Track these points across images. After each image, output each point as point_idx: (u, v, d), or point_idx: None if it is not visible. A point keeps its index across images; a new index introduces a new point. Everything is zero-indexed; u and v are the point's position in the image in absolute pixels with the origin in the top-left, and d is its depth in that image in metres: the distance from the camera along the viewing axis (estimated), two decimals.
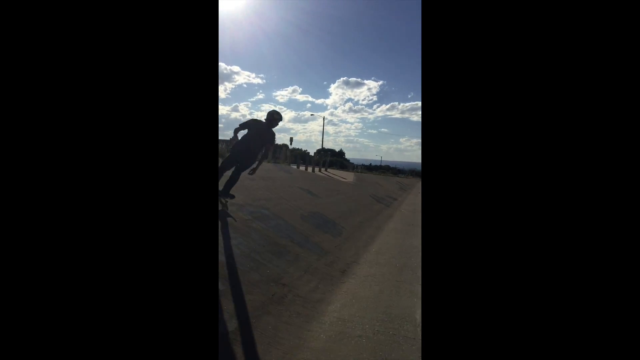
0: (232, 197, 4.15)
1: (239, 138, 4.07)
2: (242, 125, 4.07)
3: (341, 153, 64.92)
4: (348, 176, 18.85)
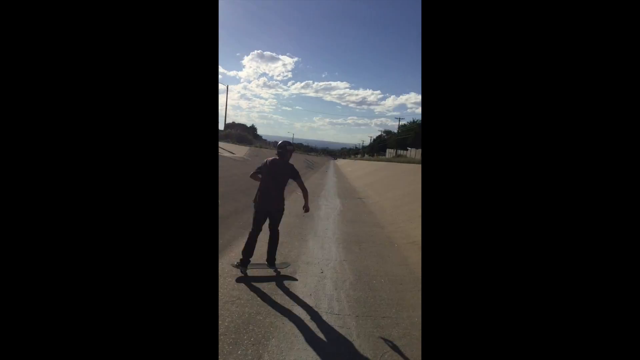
0: (286, 265, 3.41)
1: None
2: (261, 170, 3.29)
3: (253, 128, 63.28)
4: (241, 151, 18.03)
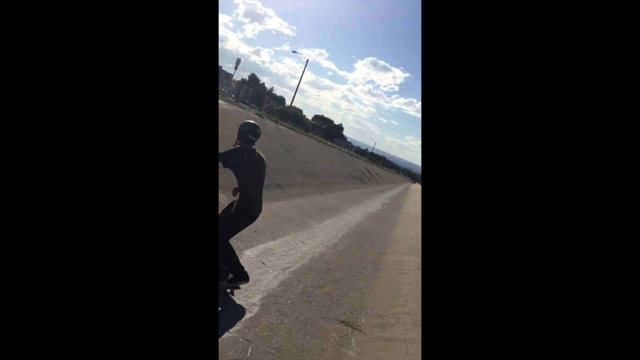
0: (243, 278, 2.60)
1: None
2: (233, 156, 2.58)
3: (340, 127, 63.14)
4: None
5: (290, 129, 12.31)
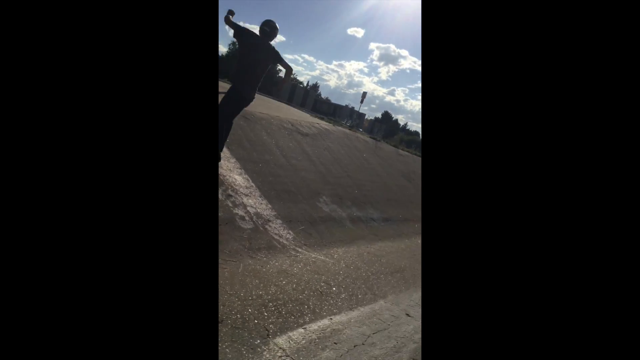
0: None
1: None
2: (240, 29, 3.16)
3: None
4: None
5: (414, 154, 10.35)
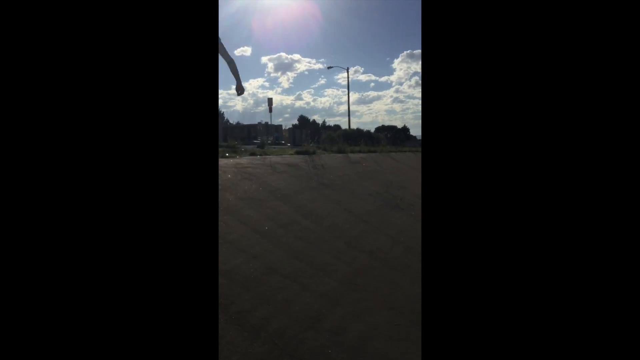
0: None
1: None
2: None
3: (405, 129, 57.43)
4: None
5: (371, 151, 7.63)
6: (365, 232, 3.49)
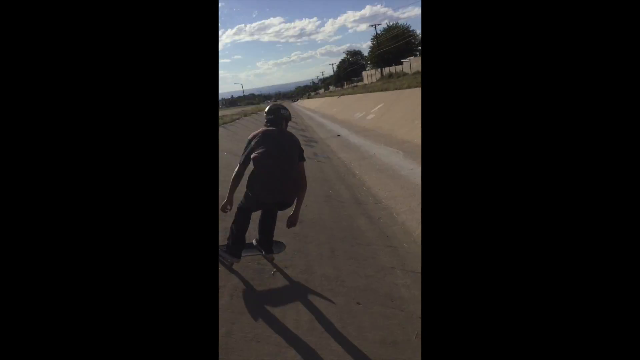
0: (282, 247, 2.44)
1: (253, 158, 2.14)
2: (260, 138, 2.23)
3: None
4: None
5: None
6: None
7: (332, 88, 56.77)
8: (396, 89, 12.93)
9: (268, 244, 2.28)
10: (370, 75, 34.26)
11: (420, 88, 9.45)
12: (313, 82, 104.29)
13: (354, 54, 56.29)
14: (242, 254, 2.19)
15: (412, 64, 20.72)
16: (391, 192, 4.35)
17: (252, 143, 2.11)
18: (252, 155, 2.06)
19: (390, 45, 33.36)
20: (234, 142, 6.68)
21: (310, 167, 3.62)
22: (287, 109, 2.34)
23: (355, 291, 2.16)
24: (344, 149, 7.96)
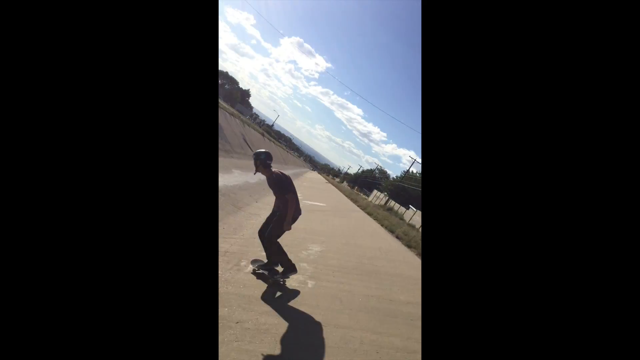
0: (292, 270, 3.04)
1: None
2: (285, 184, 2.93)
3: (246, 93, 54.26)
4: None
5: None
6: None
7: (345, 184, 57.60)
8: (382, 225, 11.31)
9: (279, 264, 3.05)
10: (376, 196, 34.18)
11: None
12: (339, 169, 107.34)
13: (381, 173, 58.05)
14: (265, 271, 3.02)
15: (415, 217, 19.65)
16: None
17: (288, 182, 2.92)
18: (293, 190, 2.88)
19: (404, 184, 34.02)
20: None
21: None
22: (266, 155, 2.88)
23: None
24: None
